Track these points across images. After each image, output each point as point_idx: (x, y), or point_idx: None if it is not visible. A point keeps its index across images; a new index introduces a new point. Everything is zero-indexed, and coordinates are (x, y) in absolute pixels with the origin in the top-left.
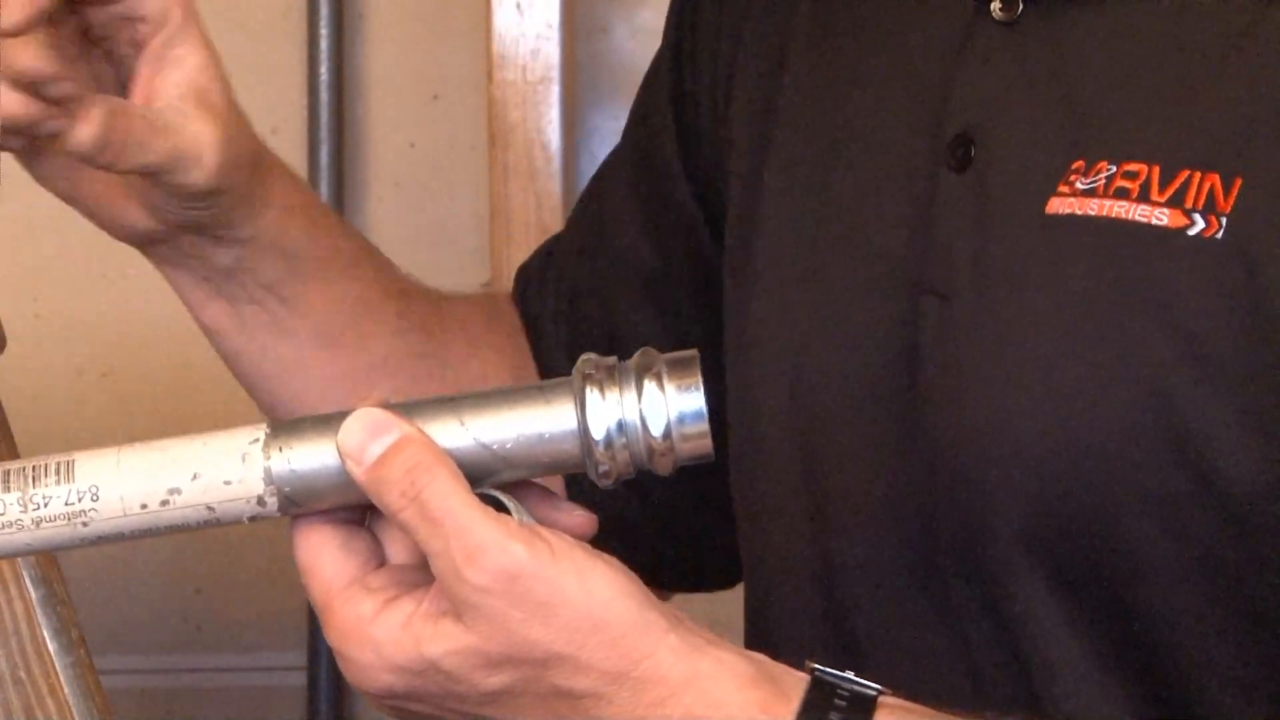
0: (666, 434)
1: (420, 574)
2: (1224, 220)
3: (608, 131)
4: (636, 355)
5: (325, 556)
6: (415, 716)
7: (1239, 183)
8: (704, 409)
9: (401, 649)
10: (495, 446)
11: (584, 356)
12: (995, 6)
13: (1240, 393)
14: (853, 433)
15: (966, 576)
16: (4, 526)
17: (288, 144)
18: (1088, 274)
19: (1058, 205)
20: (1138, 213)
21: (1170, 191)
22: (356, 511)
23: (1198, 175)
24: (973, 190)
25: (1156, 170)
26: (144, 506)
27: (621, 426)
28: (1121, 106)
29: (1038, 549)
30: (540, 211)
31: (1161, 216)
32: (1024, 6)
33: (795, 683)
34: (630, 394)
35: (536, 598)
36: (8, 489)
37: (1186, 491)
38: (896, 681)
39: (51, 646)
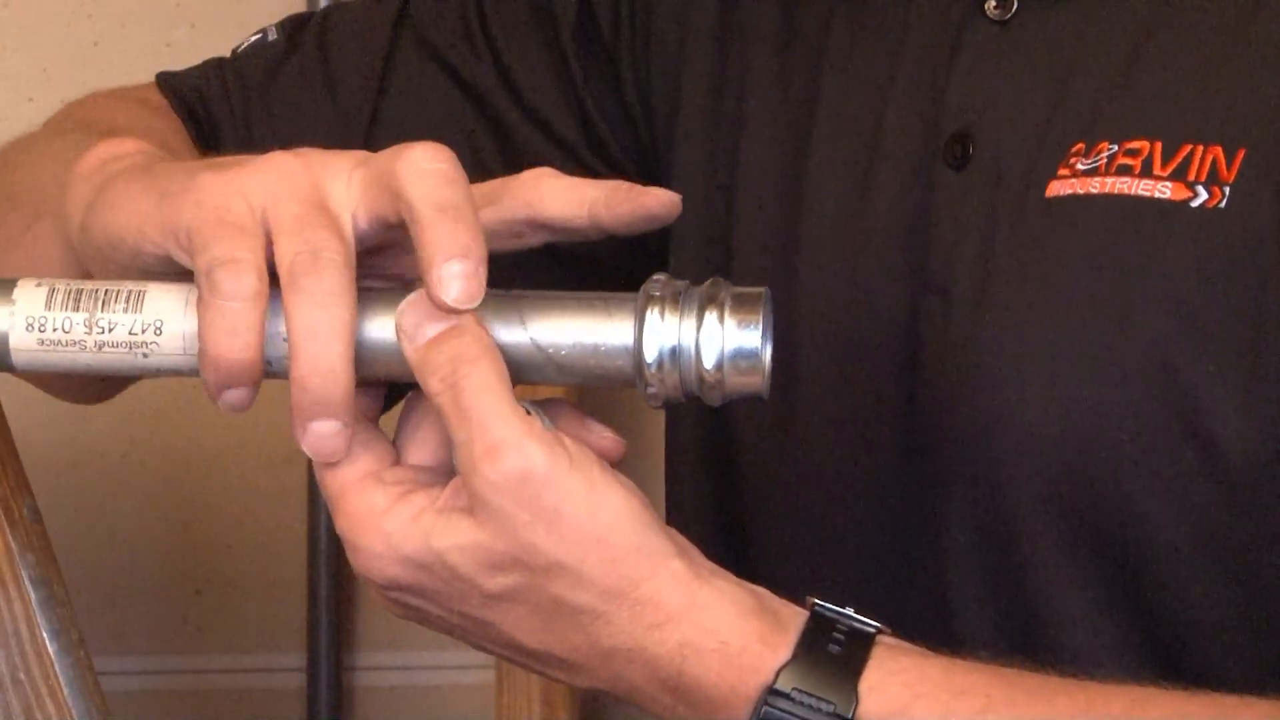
0: (718, 366)
1: (436, 476)
2: (1227, 190)
3: None
4: (706, 283)
5: None
6: (416, 613)
7: (1242, 153)
8: (759, 347)
9: (411, 540)
10: (550, 350)
11: (653, 276)
12: (990, 5)
13: (1242, 364)
14: (852, 440)
15: (977, 560)
16: (68, 345)
17: None
18: (1089, 251)
19: (1058, 188)
20: (1140, 188)
21: (1173, 165)
22: (373, 411)
23: (1200, 148)
24: (972, 187)
25: (1159, 146)
26: None
27: (675, 352)
28: (1121, 89)
29: (1052, 527)
30: None
31: (1164, 190)
32: (1018, 4)
33: (794, 616)
34: (690, 321)
35: (544, 503)
36: (77, 309)
37: (1192, 466)
38: None
39: (51, 647)
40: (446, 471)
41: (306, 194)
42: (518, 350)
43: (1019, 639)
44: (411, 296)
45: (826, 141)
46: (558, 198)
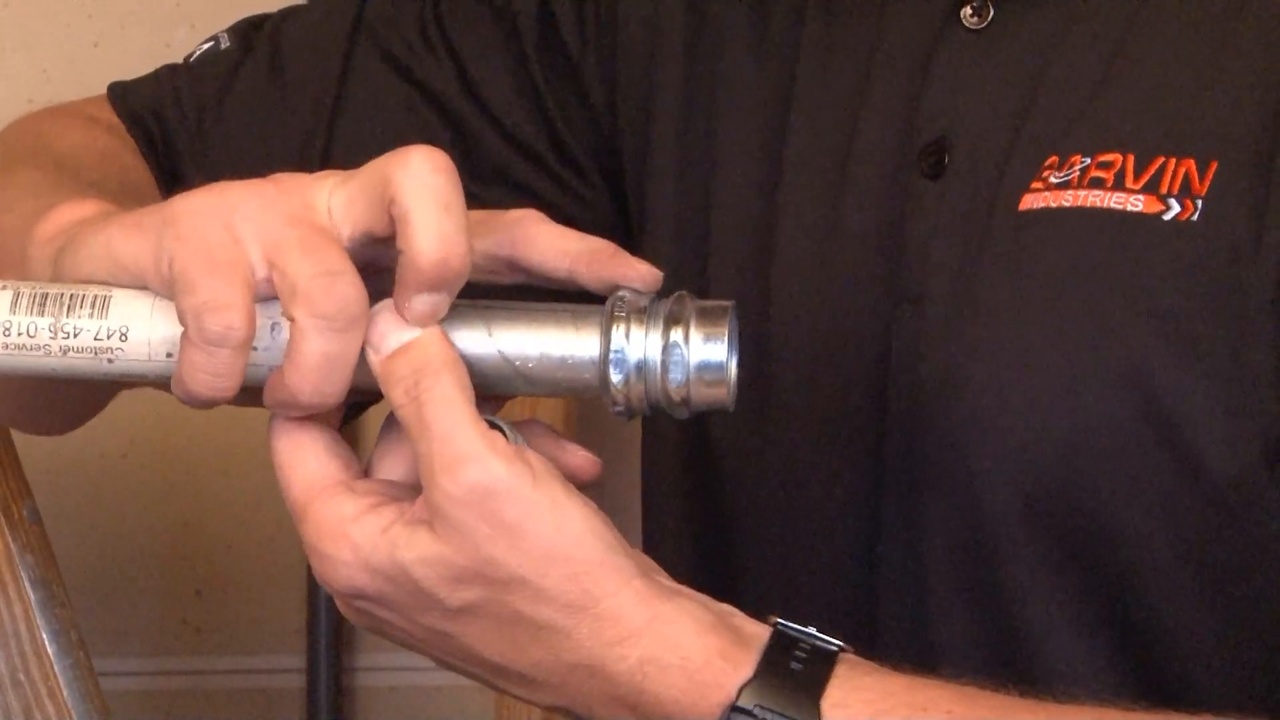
0: (684, 381)
1: (406, 491)
2: (1199, 203)
3: None
4: (672, 298)
5: (309, 454)
6: (379, 623)
7: (1214, 166)
8: (724, 361)
9: (378, 551)
10: (518, 362)
11: (619, 290)
12: (965, 13)
13: (1219, 374)
14: (827, 448)
15: (955, 569)
16: (34, 349)
17: None
18: (1062, 263)
19: (1031, 201)
20: (1112, 200)
21: (1145, 178)
22: (334, 419)
23: (1173, 161)
24: (947, 196)
25: (1131, 159)
26: (169, 355)
27: (641, 366)
28: (1094, 101)
29: (1030, 537)
30: None
31: (1136, 203)
32: (995, 12)
33: (757, 633)
34: (655, 336)
35: (506, 518)
36: (42, 313)
37: (1170, 476)
38: None
39: (50, 648)
40: (416, 487)
41: (299, 215)
42: (484, 361)
43: (997, 649)
44: (378, 306)
45: (802, 148)
46: (542, 246)
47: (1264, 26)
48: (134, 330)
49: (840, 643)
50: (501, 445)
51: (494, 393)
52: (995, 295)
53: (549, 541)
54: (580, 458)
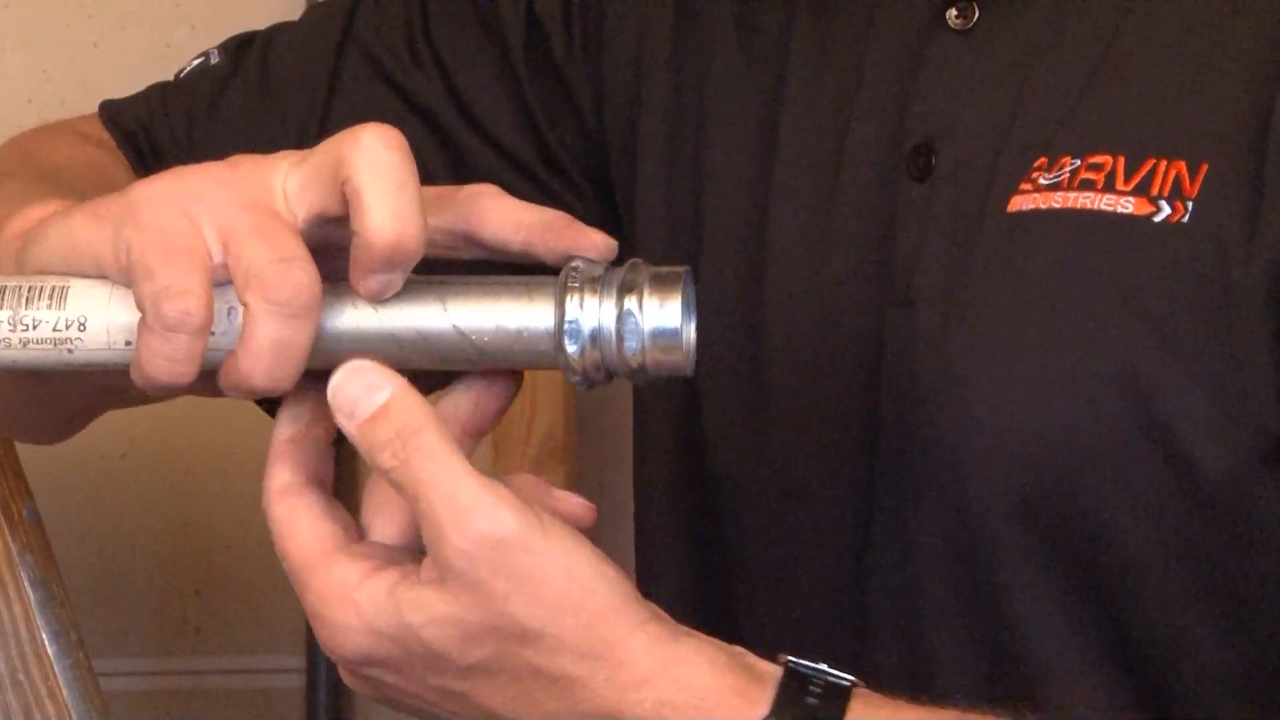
0: (639, 349)
1: (405, 555)
2: (1190, 205)
3: None
4: (626, 265)
5: (307, 520)
6: (388, 690)
7: (1205, 168)
8: (678, 327)
9: (384, 613)
10: (473, 335)
11: (572, 260)
12: (951, 14)
13: (1210, 375)
14: (817, 449)
15: (948, 571)
16: None
17: None
18: (1052, 265)
19: (1020, 202)
20: (1103, 202)
21: (1136, 180)
22: (327, 475)
23: (1163, 163)
24: (935, 198)
25: (1121, 160)
26: (128, 343)
27: (596, 337)
28: (1083, 102)
29: (1022, 539)
30: None
31: (1127, 205)
32: (980, 13)
33: (770, 671)
34: (610, 305)
35: (520, 570)
36: (1, 305)
37: (1162, 476)
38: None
39: (50, 648)
40: (413, 549)
41: (255, 199)
42: (440, 336)
43: (990, 650)
44: (342, 371)
45: (793, 150)
46: (496, 219)
47: (1254, 27)
48: (92, 319)
49: (852, 678)
50: (506, 495)
51: (451, 368)
52: (986, 297)
53: (562, 591)
54: (575, 504)
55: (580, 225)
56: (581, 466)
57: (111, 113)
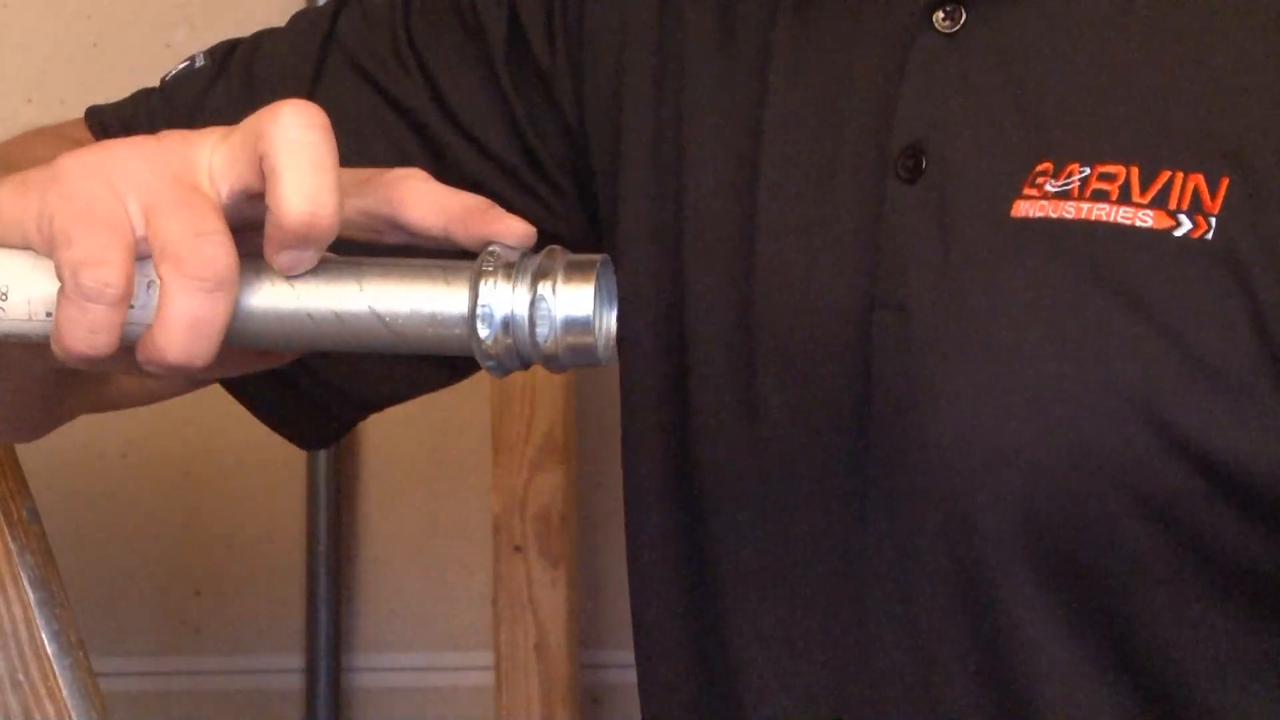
0: (550, 336)
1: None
2: (1213, 221)
3: None
4: (543, 252)
5: None
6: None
7: (1225, 182)
8: (590, 316)
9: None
10: (388, 318)
11: (490, 246)
12: (938, 16)
13: (1232, 392)
14: (810, 455)
15: (945, 579)
16: None
17: None
18: (1066, 276)
19: (1025, 208)
20: (1120, 215)
21: (1152, 193)
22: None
23: (1180, 175)
24: (926, 200)
25: (1135, 171)
26: (49, 315)
27: (509, 322)
28: (1083, 106)
29: (1024, 549)
30: None
31: (1146, 218)
32: (966, 15)
33: None
34: (523, 290)
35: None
36: None
37: (1185, 489)
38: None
39: (50, 648)
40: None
41: (178, 172)
42: (355, 317)
43: (989, 660)
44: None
45: (778, 152)
46: (417, 204)
47: (1270, 32)
48: (14, 290)
49: None
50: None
51: (368, 350)
52: (982, 303)
53: None
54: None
55: (500, 211)
56: (581, 466)
57: (97, 117)
